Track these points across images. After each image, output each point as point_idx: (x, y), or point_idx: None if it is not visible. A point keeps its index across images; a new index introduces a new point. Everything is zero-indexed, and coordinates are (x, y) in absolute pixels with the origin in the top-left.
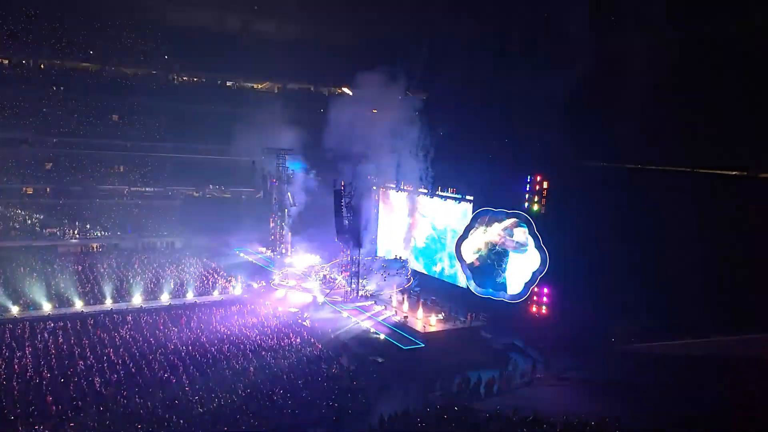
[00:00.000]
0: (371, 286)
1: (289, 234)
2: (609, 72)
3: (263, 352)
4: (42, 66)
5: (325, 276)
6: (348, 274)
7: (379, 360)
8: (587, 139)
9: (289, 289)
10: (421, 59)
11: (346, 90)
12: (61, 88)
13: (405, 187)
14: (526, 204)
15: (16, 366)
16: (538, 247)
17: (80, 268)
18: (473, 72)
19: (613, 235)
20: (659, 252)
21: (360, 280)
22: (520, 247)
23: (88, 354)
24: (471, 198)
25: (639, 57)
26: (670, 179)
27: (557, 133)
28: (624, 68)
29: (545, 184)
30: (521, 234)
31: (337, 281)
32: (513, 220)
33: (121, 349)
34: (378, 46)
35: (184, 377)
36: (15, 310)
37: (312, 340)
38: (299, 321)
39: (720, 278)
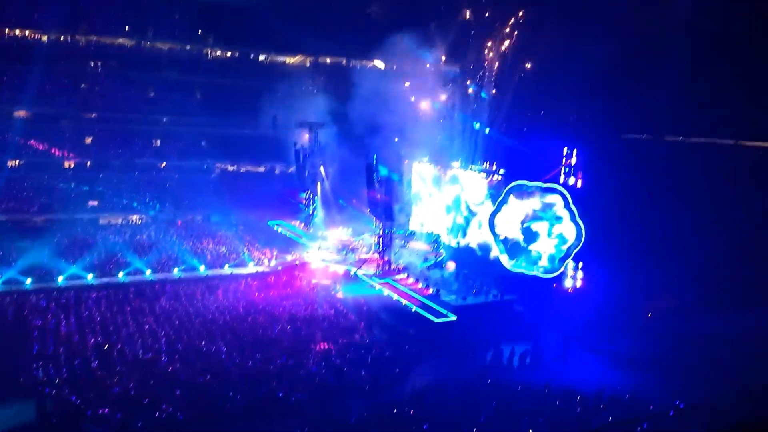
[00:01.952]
0: (403, 259)
1: (322, 207)
2: (650, 39)
3: (297, 323)
4: (80, 42)
5: (357, 248)
6: (380, 247)
7: (411, 332)
8: (626, 110)
9: (321, 261)
10: (454, 29)
11: (377, 63)
12: (99, 63)
13: (437, 161)
14: (562, 177)
15: (62, 333)
16: (573, 220)
17: (120, 239)
18: (507, 40)
19: (651, 209)
20: (698, 226)
21: (392, 253)
22: (555, 221)
23: (130, 322)
24: (503, 171)
25: (681, 23)
26: (713, 152)
27: (595, 103)
28: (666, 35)
29: (582, 157)
30: (556, 208)
31: (369, 254)
32: (548, 193)
33: (161, 318)
34: (409, 16)
35: (221, 345)
36: (60, 279)
37: (344, 311)
38: (332, 293)
39: (762, 253)
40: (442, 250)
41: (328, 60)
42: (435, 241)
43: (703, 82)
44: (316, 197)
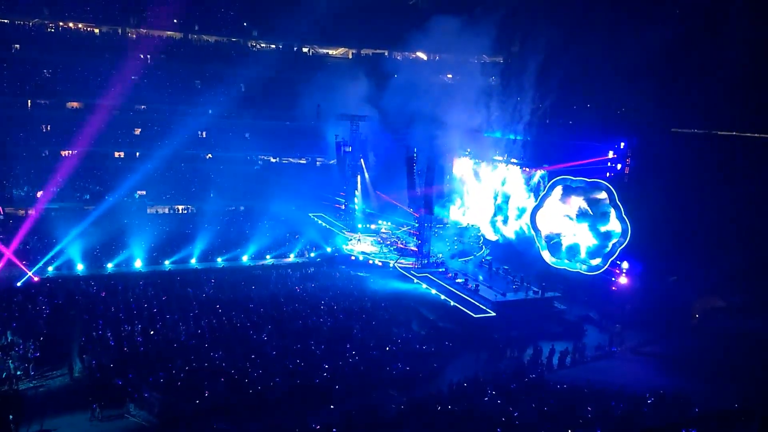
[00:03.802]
0: (442, 253)
1: (362, 199)
2: (703, 31)
3: (336, 314)
4: (130, 35)
5: (396, 241)
6: (420, 240)
7: (449, 327)
8: (675, 104)
9: (361, 253)
10: (498, 22)
11: (420, 55)
12: (148, 56)
13: (478, 154)
14: (608, 173)
15: (111, 318)
16: (619, 217)
17: (166, 229)
18: (552, 34)
19: (700, 206)
20: (749, 225)
21: (431, 247)
22: (600, 217)
23: (175, 309)
24: (546, 165)
25: (736, 15)
26: (765, 147)
27: (643, 96)
28: (719, 28)
29: (629, 151)
30: (602, 204)
31: (408, 247)
32: (593, 189)
33: (205, 306)
34: (452, 6)
35: (262, 333)
36: (109, 266)
37: (383, 304)
38: (370, 285)
39: None
40: (483, 247)
41: (370, 52)
42: (475, 235)
43: (757, 76)
44: (356, 190)
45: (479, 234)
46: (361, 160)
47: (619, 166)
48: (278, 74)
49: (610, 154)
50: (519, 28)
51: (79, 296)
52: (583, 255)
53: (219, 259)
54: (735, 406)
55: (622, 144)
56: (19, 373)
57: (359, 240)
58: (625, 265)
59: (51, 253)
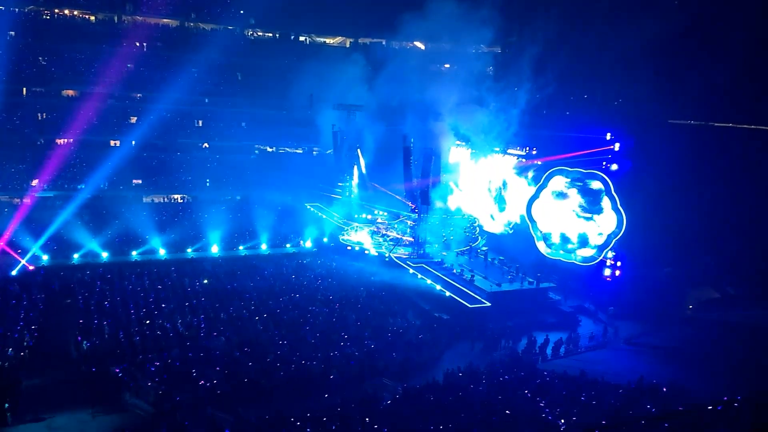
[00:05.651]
0: (438, 244)
1: (358, 189)
2: (701, 21)
3: (332, 304)
4: (126, 22)
5: (392, 232)
6: (416, 230)
7: (444, 317)
8: (674, 96)
9: (357, 244)
10: (496, 11)
11: (418, 44)
12: (144, 44)
13: (476, 144)
14: (604, 163)
15: (106, 307)
16: (614, 208)
17: (162, 218)
18: (550, 24)
19: (696, 198)
20: (745, 216)
21: (427, 237)
22: (596, 208)
23: (171, 298)
24: (543, 156)
25: (733, 7)
26: (762, 139)
27: (640, 87)
28: (717, 19)
29: (626, 143)
30: (597, 195)
31: (404, 237)
32: (589, 180)
33: (201, 295)
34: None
35: (258, 323)
36: (104, 255)
37: (379, 294)
38: (366, 275)
39: None
40: (479, 238)
41: (368, 41)
42: (471, 225)
43: (756, 66)
44: (352, 180)
45: (475, 225)
46: (358, 150)
47: (615, 157)
48: (275, 63)
49: (607, 145)
50: (517, 18)
51: (75, 285)
52: (577, 245)
53: (215, 249)
54: (728, 396)
55: (619, 134)
56: (14, 362)
57: (356, 230)
58: (619, 255)
59: (43, 241)
